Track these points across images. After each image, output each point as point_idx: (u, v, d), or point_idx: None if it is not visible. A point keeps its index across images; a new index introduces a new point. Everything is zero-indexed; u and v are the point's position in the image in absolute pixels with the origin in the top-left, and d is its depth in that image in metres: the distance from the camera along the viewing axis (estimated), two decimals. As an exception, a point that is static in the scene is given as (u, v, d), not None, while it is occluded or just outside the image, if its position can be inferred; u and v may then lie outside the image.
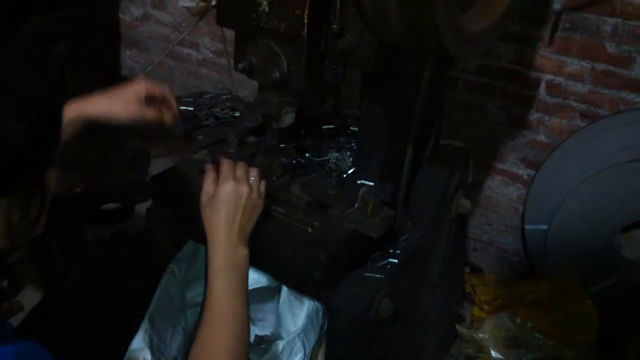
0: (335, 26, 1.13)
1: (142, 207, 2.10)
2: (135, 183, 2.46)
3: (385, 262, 1.41)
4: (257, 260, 1.17)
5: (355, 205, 1.30)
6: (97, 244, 2.37)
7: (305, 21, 1.13)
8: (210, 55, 3.18)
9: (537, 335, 1.97)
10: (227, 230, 1.10)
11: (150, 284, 1.46)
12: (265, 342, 1.53)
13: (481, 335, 2.00)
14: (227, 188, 1.13)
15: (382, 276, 1.37)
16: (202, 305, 1.05)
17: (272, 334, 1.50)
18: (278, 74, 1.19)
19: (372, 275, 1.37)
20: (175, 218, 1.45)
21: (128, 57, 3.56)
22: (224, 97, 1.66)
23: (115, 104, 1.22)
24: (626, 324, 2.17)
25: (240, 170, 1.17)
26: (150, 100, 1.27)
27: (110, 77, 3.46)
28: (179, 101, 1.60)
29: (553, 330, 1.97)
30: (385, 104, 1.37)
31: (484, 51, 1.07)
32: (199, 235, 1.42)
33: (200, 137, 1.42)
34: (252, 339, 1.52)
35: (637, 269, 2.28)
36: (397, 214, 1.35)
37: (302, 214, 1.29)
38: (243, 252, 1.10)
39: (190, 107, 1.52)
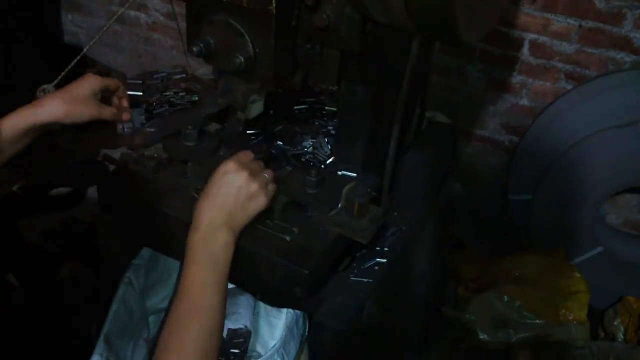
0: (309, -2, 0.93)
1: (94, 190, 1.94)
2: (86, 163, 2.24)
3: (372, 263, 1.25)
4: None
5: (339, 205, 1.13)
6: (47, 235, 2.18)
7: None
8: (162, 18, 2.90)
9: (526, 314, 1.88)
10: (212, 213, 0.99)
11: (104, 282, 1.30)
12: (239, 337, 1.40)
13: (468, 316, 1.90)
14: (225, 167, 1.02)
15: (371, 280, 1.21)
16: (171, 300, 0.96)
17: (248, 342, 1.37)
18: (242, 59, 0.98)
19: (359, 279, 1.21)
20: (128, 226, 1.25)
21: (70, 22, 3.23)
22: (178, 77, 1.44)
23: (71, 107, 1.10)
24: (612, 296, 2.11)
25: (251, 161, 1.08)
26: (104, 96, 1.18)
27: (52, 45, 3.15)
28: (126, 86, 1.38)
29: (542, 308, 1.88)
30: (367, 85, 1.19)
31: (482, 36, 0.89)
32: (159, 247, 1.25)
33: (152, 130, 1.21)
34: (225, 333, 1.39)
35: (621, 238, 2.21)
36: (384, 208, 1.18)
37: (279, 218, 1.11)
38: (224, 238, 0.98)
39: (139, 91, 1.30)
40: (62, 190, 2.34)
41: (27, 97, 1.14)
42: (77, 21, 3.19)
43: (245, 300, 1.38)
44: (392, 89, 1.13)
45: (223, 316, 0.94)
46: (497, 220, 2.37)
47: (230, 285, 1.25)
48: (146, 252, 1.35)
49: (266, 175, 1.07)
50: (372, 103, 1.21)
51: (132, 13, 2.96)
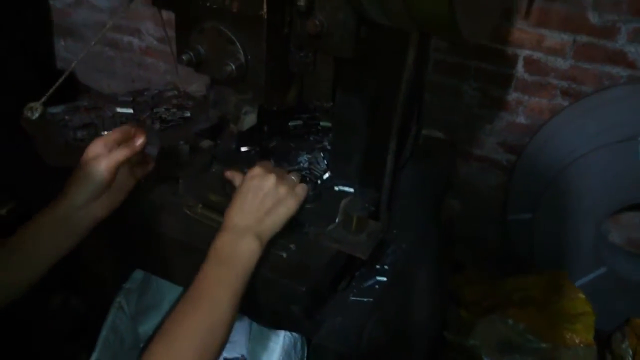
0: (301, 3, 0.90)
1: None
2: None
3: (372, 281, 1.20)
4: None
5: (337, 219, 1.08)
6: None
7: None
8: (155, 42, 2.89)
9: (531, 337, 1.82)
10: (239, 217, 0.97)
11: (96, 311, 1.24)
12: None
13: (471, 342, 1.84)
14: (253, 173, 1.01)
15: (371, 299, 1.16)
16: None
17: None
18: (233, 66, 0.95)
19: (359, 299, 1.16)
20: (117, 246, 1.20)
21: (63, 47, 3.22)
22: (169, 93, 1.40)
23: (109, 204, 1.02)
24: (619, 318, 2.05)
25: (276, 168, 1.05)
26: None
27: (44, 70, 3.13)
28: (116, 102, 1.35)
29: (547, 331, 1.82)
30: (362, 95, 1.15)
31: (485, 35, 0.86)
32: (150, 267, 1.20)
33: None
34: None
35: (625, 257, 2.16)
36: (383, 223, 1.13)
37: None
38: (249, 244, 0.94)
39: (129, 108, 1.26)
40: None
41: (17, 123, 1.08)
42: (69, 47, 3.18)
43: (240, 327, 1.33)
44: (388, 101, 1.10)
45: (231, 318, 0.90)
46: (497, 241, 2.33)
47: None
48: (138, 275, 1.30)
49: (293, 177, 1.05)
50: (368, 115, 1.17)
51: (125, 38, 2.95)
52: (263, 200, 0.98)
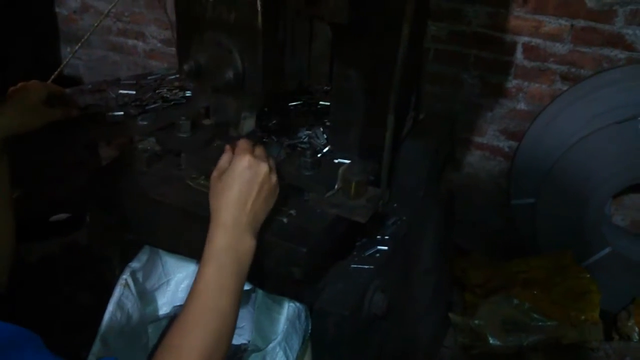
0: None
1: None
2: (84, 188, 2.23)
3: (374, 250, 1.22)
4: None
5: (336, 186, 1.10)
6: (45, 259, 2.16)
7: (259, 9, 0.93)
8: (159, 45, 2.94)
9: (536, 316, 1.82)
10: (238, 212, 0.94)
11: (103, 300, 1.26)
12: (242, 352, 1.35)
13: (477, 321, 1.84)
14: (244, 162, 0.96)
15: (372, 267, 1.18)
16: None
17: (249, 342, 1.32)
18: (232, 74, 0.99)
19: (360, 266, 1.18)
20: (122, 222, 1.23)
21: (69, 54, 3.27)
22: (172, 76, 1.44)
23: (25, 116, 1.12)
24: (623, 298, 2.05)
25: (259, 149, 1.01)
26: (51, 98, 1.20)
27: (50, 76, 3.18)
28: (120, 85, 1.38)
29: (553, 309, 1.83)
30: (359, 68, 1.18)
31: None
32: (155, 239, 1.22)
33: (144, 123, 1.20)
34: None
35: (629, 238, 2.16)
36: (383, 189, 1.15)
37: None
38: (249, 242, 0.94)
39: (132, 90, 1.30)
40: (62, 215, 2.33)
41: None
42: (76, 53, 3.24)
43: (247, 313, 1.34)
44: (385, 75, 1.12)
45: (234, 323, 0.90)
46: (502, 227, 2.33)
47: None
48: (143, 256, 1.32)
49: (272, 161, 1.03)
50: (366, 87, 1.20)
51: (130, 41, 3.01)
52: (259, 194, 0.96)
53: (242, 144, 1.01)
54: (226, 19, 0.97)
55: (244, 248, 0.93)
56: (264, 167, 0.96)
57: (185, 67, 1.01)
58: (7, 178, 1.06)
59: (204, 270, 0.90)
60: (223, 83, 1.01)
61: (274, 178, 0.99)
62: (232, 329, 0.90)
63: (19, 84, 1.17)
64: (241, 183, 0.95)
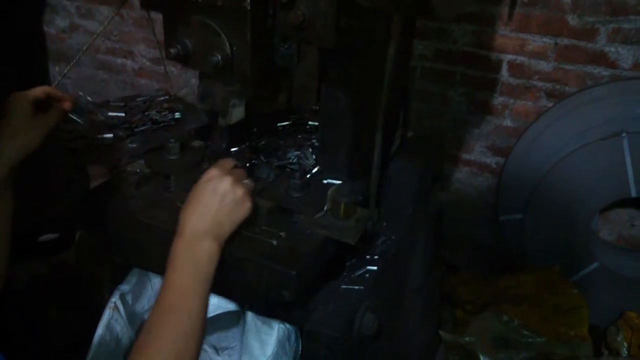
0: (284, -5, 0.94)
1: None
2: (73, 208, 2.21)
3: (363, 270, 1.22)
4: (214, 284, 0.96)
5: (325, 207, 1.11)
6: (33, 279, 2.14)
7: None
8: (148, 63, 2.95)
9: (526, 332, 1.83)
10: (196, 219, 0.96)
11: (92, 322, 1.25)
12: None
13: (467, 338, 1.84)
14: (207, 176, 1.00)
15: (362, 287, 1.18)
16: None
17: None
18: (220, 58, 0.99)
19: (350, 287, 1.18)
20: (111, 244, 1.22)
21: (57, 72, 3.27)
22: (161, 98, 1.44)
23: (19, 138, 1.02)
24: (611, 312, 2.06)
25: (233, 168, 1.05)
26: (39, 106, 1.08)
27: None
28: (109, 107, 1.38)
29: (542, 325, 1.83)
30: (347, 88, 1.19)
31: (461, 12, 0.89)
32: (144, 262, 1.22)
33: (133, 145, 1.20)
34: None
35: (616, 253, 2.18)
36: (372, 210, 1.16)
37: (264, 224, 1.09)
38: (208, 247, 0.95)
39: (121, 112, 1.30)
40: (50, 236, 2.31)
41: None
42: (64, 72, 3.23)
43: (237, 334, 1.34)
44: (372, 95, 1.14)
45: (202, 324, 0.90)
46: (490, 242, 2.35)
47: (219, 311, 1.22)
48: (133, 278, 1.31)
49: (247, 180, 1.05)
50: (353, 107, 1.21)
51: (119, 60, 3.01)
52: (221, 203, 0.97)
53: (222, 161, 1.05)
54: (214, 1, 0.97)
55: (201, 251, 0.94)
56: (226, 180, 0.98)
57: (172, 50, 1.01)
58: (11, 210, 1.01)
59: (166, 275, 0.92)
60: (211, 67, 1.00)
61: (238, 191, 0.99)
62: (201, 330, 0.90)
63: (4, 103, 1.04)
64: (201, 195, 0.98)
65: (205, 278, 0.93)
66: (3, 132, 1.02)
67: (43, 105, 1.10)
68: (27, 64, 3.29)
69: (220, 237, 0.97)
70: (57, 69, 3.27)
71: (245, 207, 1.01)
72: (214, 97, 1.07)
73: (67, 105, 1.13)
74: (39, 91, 1.09)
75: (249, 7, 0.94)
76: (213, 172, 1.00)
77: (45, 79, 3.43)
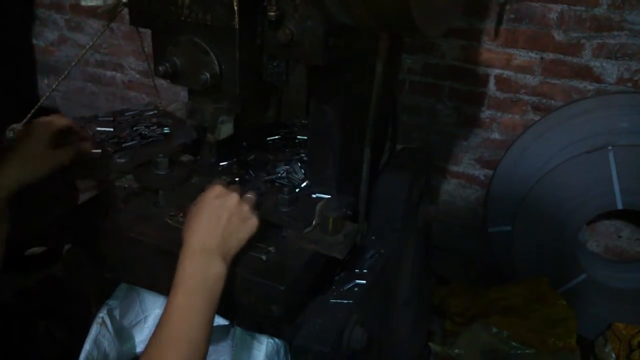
0: (272, 13, 0.95)
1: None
2: (61, 221, 2.20)
3: (352, 284, 1.22)
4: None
5: (313, 222, 1.12)
6: (21, 293, 2.12)
7: (236, 9, 0.95)
8: (137, 75, 2.95)
9: (515, 344, 1.84)
10: (206, 237, 0.94)
11: (80, 336, 1.24)
12: None
13: (457, 350, 1.85)
14: (213, 192, 0.99)
15: (351, 301, 1.18)
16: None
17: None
18: (208, 76, 1.00)
19: (338, 301, 1.18)
20: (99, 259, 1.22)
21: (46, 85, 3.27)
22: (150, 113, 1.44)
23: (27, 169, 1.03)
24: (599, 323, 2.08)
25: (233, 186, 1.04)
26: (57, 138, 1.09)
27: (28, 108, 3.16)
28: (97, 122, 1.38)
29: (531, 336, 1.85)
30: (335, 103, 1.20)
31: (445, 30, 0.91)
32: (133, 277, 1.22)
33: (122, 160, 1.20)
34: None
35: (603, 264, 2.20)
36: (361, 224, 1.17)
37: (253, 238, 1.09)
38: (218, 268, 0.93)
39: (109, 127, 1.30)
40: (37, 249, 2.29)
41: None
42: (52, 84, 3.23)
43: (225, 349, 1.33)
44: (362, 107, 1.15)
45: (205, 349, 0.89)
46: (479, 254, 2.36)
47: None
48: (120, 293, 1.30)
49: (250, 195, 1.05)
50: (342, 122, 1.21)
51: (108, 72, 3.01)
52: (229, 220, 0.96)
53: (216, 181, 1.04)
54: (202, 19, 0.98)
55: (213, 273, 0.92)
56: (233, 197, 0.98)
57: (161, 68, 1.01)
58: (5, 235, 1.00)
59: (174, 295, 0.89)
60: (200, 85, 1.01)
61: (245, 208, 0.99)
62: (204, 353, 0.89)
63: (25, 126, 1.08)
64: (210, 211, 0.96)
65: (213, 300, 0.92)
66: (15, 157, 1.03)
67: (61, 137, 1.11)
68: (16, 77, 3.28)
69: (227, 257, 0.96)
70: (45, 81, 3.27)
71: (252, 223, 1.01)
72: (203, 113, 1.08)
73: (86, 147, 1.15)
74: (61, 123, 1.10)
75: (237, 26, 0.95)
76: (218, 189, 0.99)
77: (33, 92, 3.43)
